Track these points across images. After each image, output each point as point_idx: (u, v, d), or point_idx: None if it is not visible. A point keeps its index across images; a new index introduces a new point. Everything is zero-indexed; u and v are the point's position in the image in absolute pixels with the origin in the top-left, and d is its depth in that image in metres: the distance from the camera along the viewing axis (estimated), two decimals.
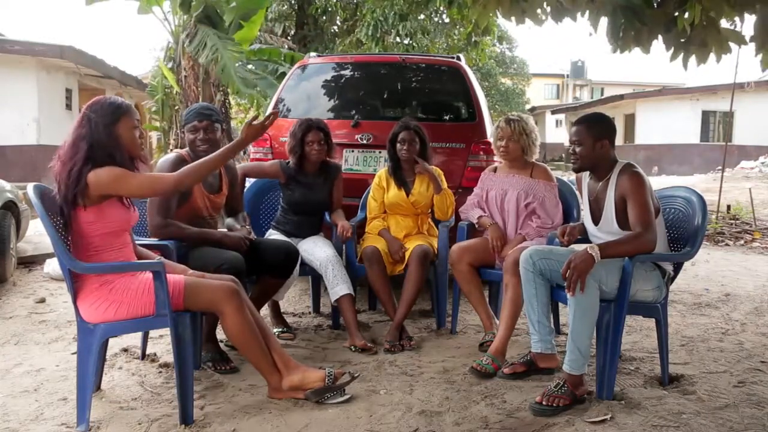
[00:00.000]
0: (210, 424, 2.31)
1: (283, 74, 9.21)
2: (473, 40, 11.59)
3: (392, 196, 3.63)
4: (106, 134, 2.28)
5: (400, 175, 3.66)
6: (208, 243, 2.97)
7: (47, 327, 3.62)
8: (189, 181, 2.42)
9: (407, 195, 3.62)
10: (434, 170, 3.60)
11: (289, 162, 3.60)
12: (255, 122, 2.54)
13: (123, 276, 2.33)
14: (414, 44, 11.15)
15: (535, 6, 3.22)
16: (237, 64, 8.75)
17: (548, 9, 3.25)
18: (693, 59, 3.24)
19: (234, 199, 3.32)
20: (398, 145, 3.58)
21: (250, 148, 4.63)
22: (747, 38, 3.13)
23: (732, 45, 3.20)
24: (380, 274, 3.41)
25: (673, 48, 3.27)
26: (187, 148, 3.11)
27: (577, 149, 2.72)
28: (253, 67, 10.28)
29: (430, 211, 3.71)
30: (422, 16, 11.85)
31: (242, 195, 3.71)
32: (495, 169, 3.59)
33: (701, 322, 3.82)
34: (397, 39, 11.19)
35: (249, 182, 3.90)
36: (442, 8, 11.10)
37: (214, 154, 2.49)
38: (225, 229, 3.22)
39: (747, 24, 3.18)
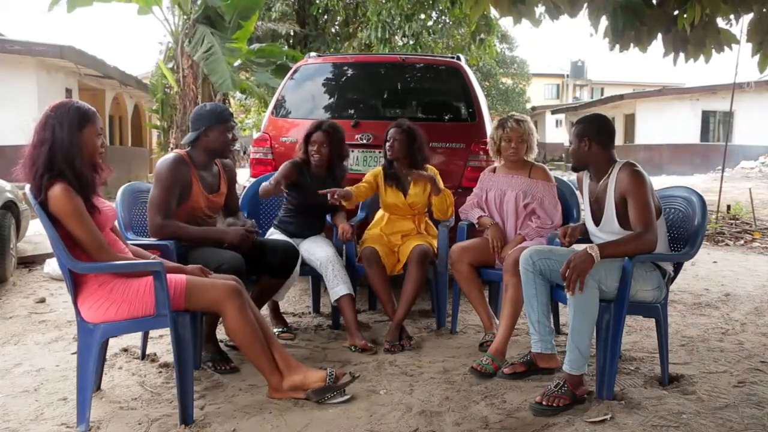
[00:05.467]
0: (210, 424, 2.31)
1: (282, 66, 9.20)
2: (478, 37, 11.56)
3: (389, 197, 3.62)
4: (69, 140, 2.22)
5: (396, 176, 3.64)
6: (210, 241, 2.97)
7: (47, 327, 3.62)
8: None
9: (404, 197, 3.61)
10: (430, 170, 3.58)
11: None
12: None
13: (123, 276, 2.33)
14: (419, 45, 11.12)
15: (532, 6, 3.22)
16: (236, 63, 8.74)
17: (544, 8, 3.25)
18: (682, 56, 3.26)
19: (232, 198, 3.31)
20: (386, 143, 3.57)
21: (250, 148, 4.62)
22: (744, 38, 3.14)
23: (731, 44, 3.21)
24: (380, 275, 3.40)
25: (671, 47, 3.27)
26: (188, 149, 3.07)
27: (570, 148, 2.86)
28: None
29: (427, 210, 3.70)
30: (423, 16, 11.83)
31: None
32: (494, 170, 3.59)
33: (701, 322, 3.82)
34: (403, 39, 11.17)
35: (249, 182, 3.89)
36: (446, 7, 11.11)
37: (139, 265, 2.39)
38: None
39: (745, 24, 3.20)
